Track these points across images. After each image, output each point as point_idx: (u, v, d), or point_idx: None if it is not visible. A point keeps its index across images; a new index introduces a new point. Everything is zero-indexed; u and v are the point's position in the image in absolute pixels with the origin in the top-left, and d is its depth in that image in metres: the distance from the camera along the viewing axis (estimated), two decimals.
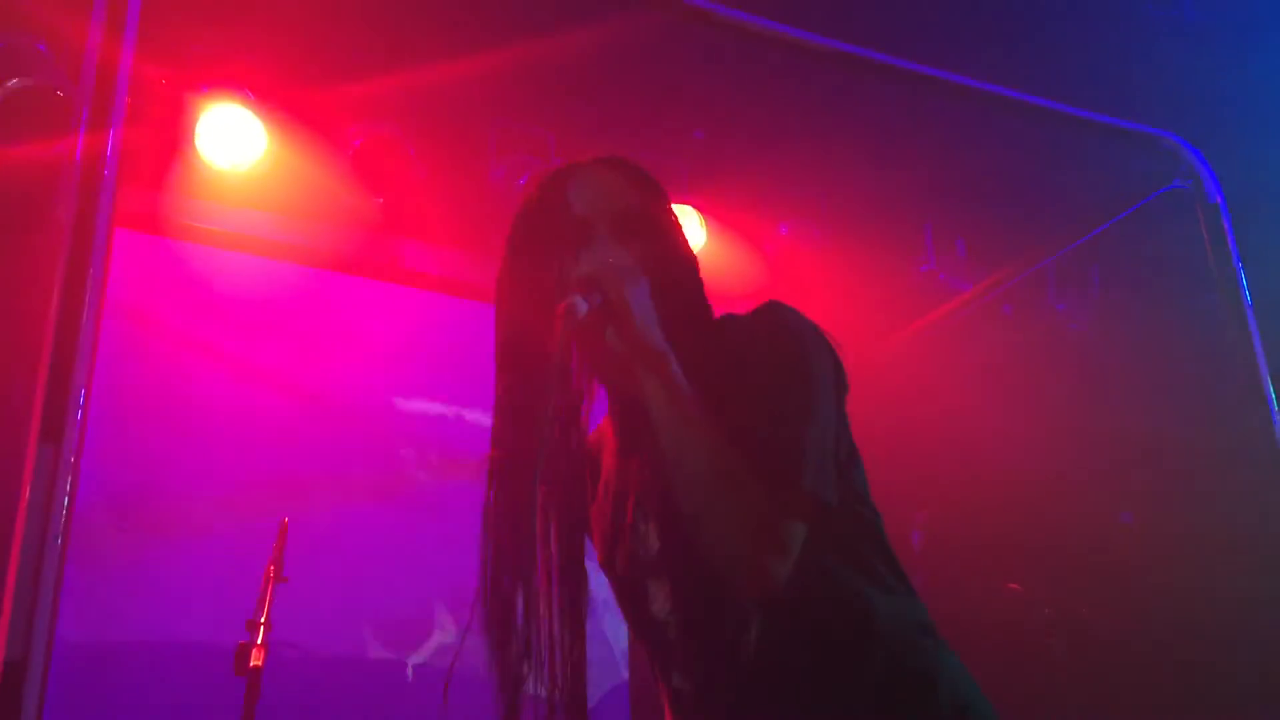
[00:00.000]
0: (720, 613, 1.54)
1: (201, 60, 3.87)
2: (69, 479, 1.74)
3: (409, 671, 3.99)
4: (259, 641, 3.09)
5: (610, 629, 4.41)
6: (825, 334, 1.63)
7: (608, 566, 1.70)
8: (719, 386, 1.52)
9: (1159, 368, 4.39)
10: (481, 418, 4.48)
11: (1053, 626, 3.77)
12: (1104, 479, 4.41)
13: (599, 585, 1.67)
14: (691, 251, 1.73)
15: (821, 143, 4.25)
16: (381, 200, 4.19)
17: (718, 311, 1.72)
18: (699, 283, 1.71)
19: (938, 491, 4.41)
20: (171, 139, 3.92)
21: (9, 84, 3.34)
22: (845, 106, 4.06)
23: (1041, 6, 3.67)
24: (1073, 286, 4.84)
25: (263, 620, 3.12)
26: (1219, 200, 3.30)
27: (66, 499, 1.73)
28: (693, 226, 4.37)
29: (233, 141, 3.91)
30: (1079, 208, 4.12)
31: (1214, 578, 3.86)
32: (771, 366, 1.55)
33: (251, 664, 3.05)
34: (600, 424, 1.78)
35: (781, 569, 1.45)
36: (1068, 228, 4.19)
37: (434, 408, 4.45)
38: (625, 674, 4.43)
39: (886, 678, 1.50)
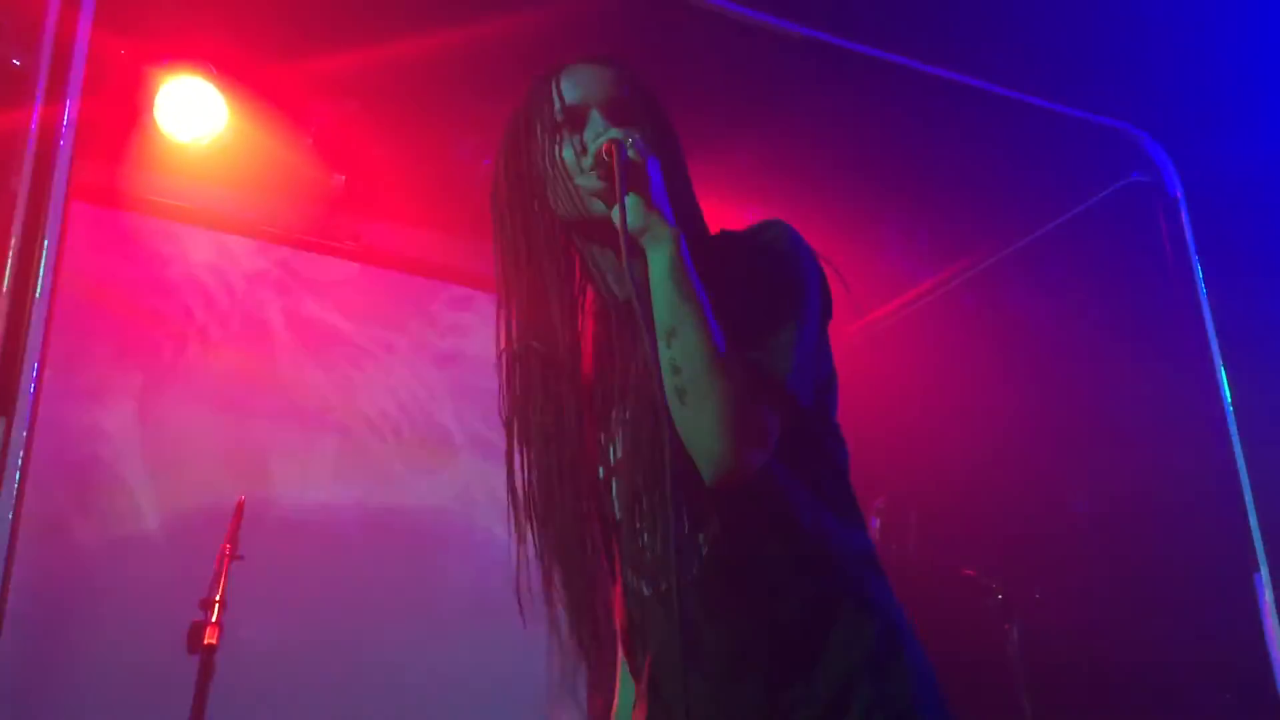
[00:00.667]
0: (679, 511, 1.51)
1: (161, 31, 3.82)
2: (20, 453, 1.71)
3: (366, 652, 3.97)
4: (213, 620, 3.07)
5: None
6: (818, 256, 1.67)
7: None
8: (711, 286, 1.52)
9: (1116, 359, 4.43)
10: (443, 397, 4.48)
11: (1006, 611, 3.81)
12: (1060, 467, 4.45)
13: None
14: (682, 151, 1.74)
15: (778, 131, 4.24)
16: (343, 177, 4.15)
17: None
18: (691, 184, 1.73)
19: (897, 478, 4.44)
20: (130, 111, 3.86)
21: None
22: (802, 94, 4.05)
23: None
24: (1032, 277, 4.87)
25: (217, 598, 3.11)
26: (1178, 194, 3.34)
27: (19, 473, 1.71)
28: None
29: (193, 115, 3.86)
30: (1040, 199, 4.15)
31: (1166, 566, 3.92)
32: (765, 273, 1.59)
33: (205, 642, 3.03)
34: None
35: (756, 459, 1.47)
36: (1028, 219, 4.22)
37: (396, 386, 4.42)
38: None
39: (826, 597, 1.52)
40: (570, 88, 1.66)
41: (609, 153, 1.51)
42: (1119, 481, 4.23)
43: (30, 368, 1.78)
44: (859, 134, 4.20)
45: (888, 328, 4.73)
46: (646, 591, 1.58)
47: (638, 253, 1.51)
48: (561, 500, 1.61)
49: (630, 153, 1.52)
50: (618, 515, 1.61)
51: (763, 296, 1.57)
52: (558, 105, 1.64)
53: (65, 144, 2.05)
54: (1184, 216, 3.42)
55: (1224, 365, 3.37)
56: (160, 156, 4.00)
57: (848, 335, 4.79)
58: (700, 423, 1.44)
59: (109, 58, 3.76)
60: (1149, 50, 3.82)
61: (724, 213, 4.53)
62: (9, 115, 3.29)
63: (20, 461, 1.75)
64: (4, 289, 1.80)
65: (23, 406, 1.75)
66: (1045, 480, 4.43)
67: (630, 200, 1.50)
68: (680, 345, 1.45)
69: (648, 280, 1.51)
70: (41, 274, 1.84)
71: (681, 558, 1.52)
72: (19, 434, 1.74)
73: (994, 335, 4.79)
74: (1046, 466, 4.44)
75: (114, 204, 4.07)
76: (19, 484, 1.77)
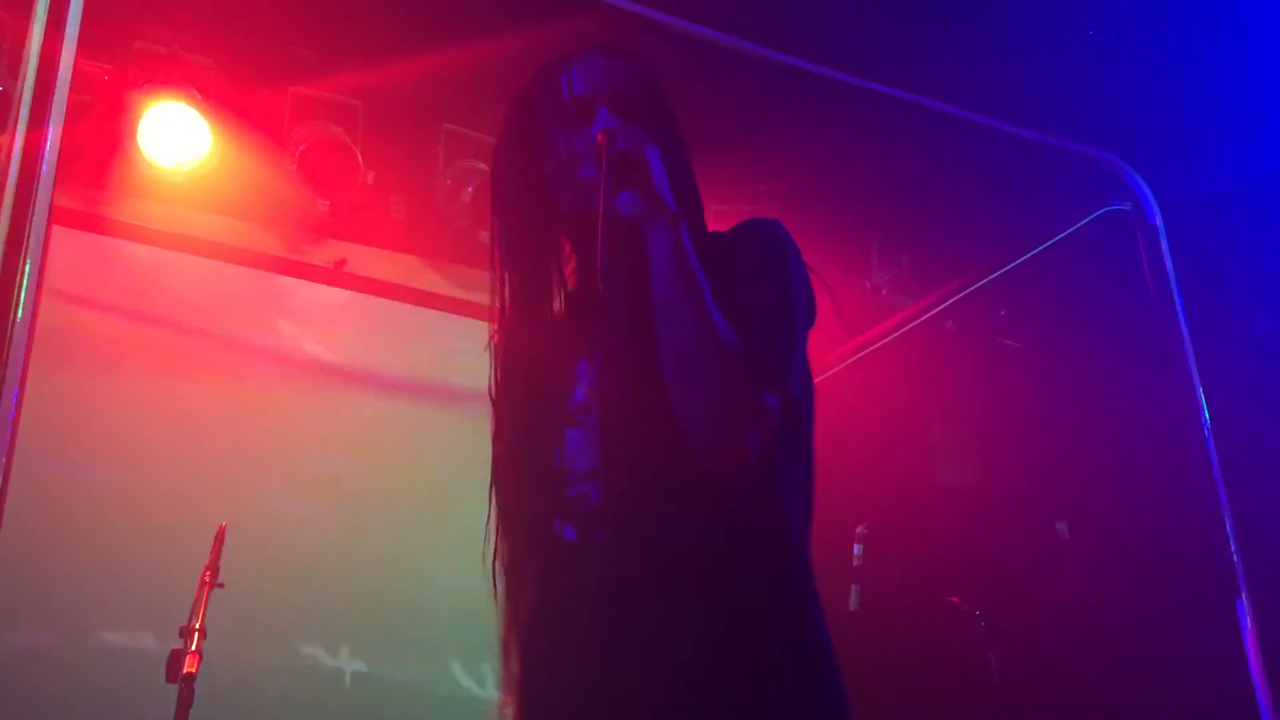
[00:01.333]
0: (649, 489, 1.50)
1: (145, 56, 3.82)
2: (1, 478, 1.70)
3: (346, 679, 3.95)
4: (193, 648, 3.04)
5: None
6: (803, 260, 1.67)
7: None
8: (710, 275, 1.51)
9: (1096, 385, 4.45)
10: (424, 415, 4.45)
11: (989, 639, 3.81)
12: (1041, 492, 4.46)
13: None
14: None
15: (761, 157, 4.27)
16: (327, 203, 4.15)
17: None
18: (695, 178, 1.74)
19: (879, 505, 4.44)
20: (113, 136, 3.86)
21: None
22: (785, 121, 4.08)
23: (984, 27, 3.72)
24: (1013, 304, 4.90)
25: (197, 626, 3.08)
26: (1157, 222, 3.37)
27: None
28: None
29: (176, 140, 3.86)
30: (1021, 227, 4.18)
31: (1148, 589, 3.93)
32: (760, 266, 1.60)
33: (185, 670, 3.00)
34: None
35: (754, 445, 1.46)
36: (1010, 246, 4.25)
37: (377, 411, 4.41)
38: None
39: (760, 600, 1.47)
40: (580, 78, 1.65)
41: (602, 142, 1.50)
42: (1101, 505, 4.25)
43: (10, 393, 1.77)
44: (840, 161, 4.23)
45: (871, 353, 4.75)
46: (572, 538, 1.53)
47: (636, 241, 1.50)
48: (521, 484, 1.60)
49: (625, 143, 1.51)
50: (571, 470, 1.56)
51: (759, 288, 1.58)
52: (566, 96, 1.63)
53: (48, 169, 2.04)
54: (1163, 244, 3.44)
55: (1203, 389, 3.39)
56: (143, 181, 3.99)
57: (830, 361, 4.81)
58: (702, 405, 1.43)
59: (92, 82, 3.76)
60: (1126, 80, 3.86)
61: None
62: None
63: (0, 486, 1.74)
64: None
65: (2, 432, 1.74)
66: (1028, 505, 4.44)
67: (630, 191, 1.49)
68: (682, 327, 1.44)
69: (627, 274, 1.51)
70: (23, 299, 1.84)
71: (639, 522, 1.48)
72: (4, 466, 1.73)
73: (976, 361, 4.81)
74: (1029, 491, 4.45)
75: (96, 228, 4.05)
76: None
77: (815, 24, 3.52)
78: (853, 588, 4.00)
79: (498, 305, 1.67)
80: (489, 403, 1.68)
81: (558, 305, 1.66)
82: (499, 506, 1.62)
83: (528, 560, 1.58)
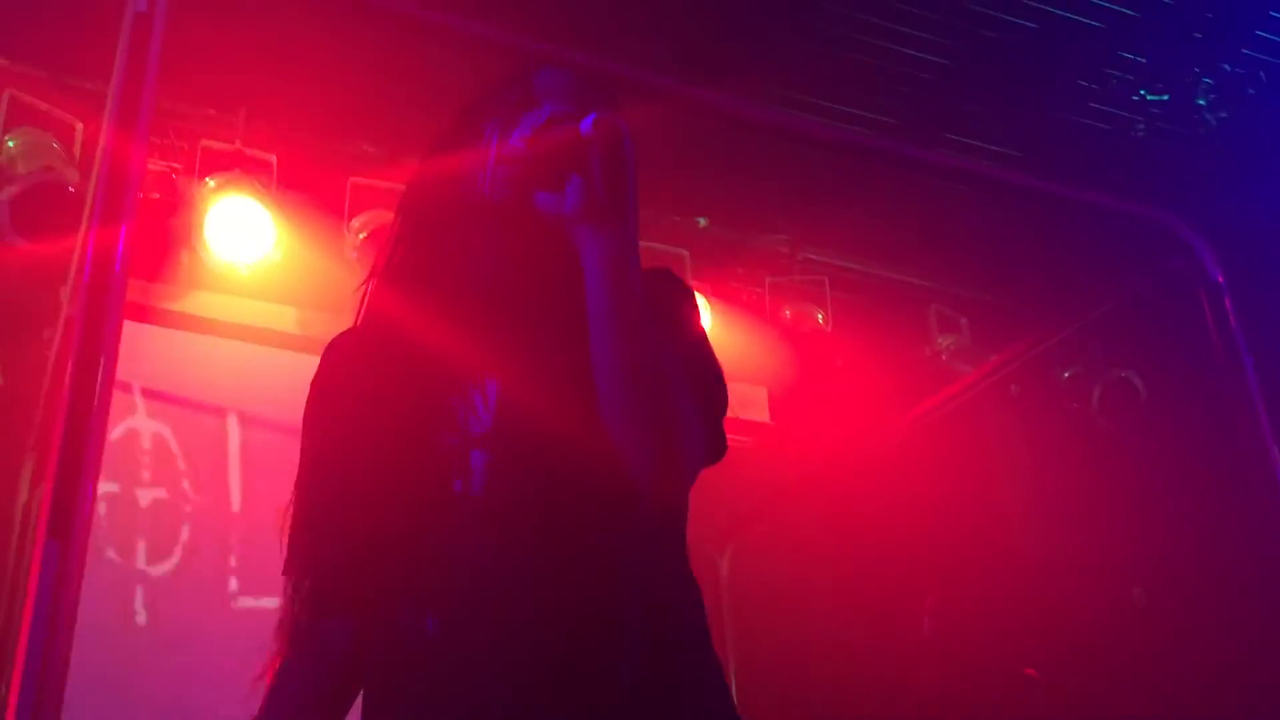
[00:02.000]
0: (542, 498, 1.37)
1: (210, 152, 3.93)
2: (78, 575, 1.73)
3: None
4: None
5: None
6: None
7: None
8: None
9: (1166, 446, 4.37)
10: None
11: (1072, 713, 3.72)
12: (1113, 557, 4.37)
13: None
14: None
15: (816, 227, 4.29)
16: None
17: None
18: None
19: (947, 575, 4.37)
20: (180, 230, 3.96)
21: (23, 178, 3.39)
22: (839, 188, 4.10)
23: (1043, 92, 3.73)
24: (1077, 366, 4.85)
25: None
26: (1220, 280, 3.32)
27: (73, 594, 1.73)
28: (702, 310, 4.38)
29: (241, 233, 3.95)
30: (1083, 288, 4.15)
31: (1224, 658, 3.82)
32: (684, 327, 1.53)
33: None
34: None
35: (691, 469, 1.42)
36: (1072, 308, 4.21)
37: None
38: None
39: (662, 631, 1.38)
40: (539, 83, 1.52)
41: (554, 129, 1.36)
42: (1178, 570, 4.15)
43: (87, 489, 1.81)
44: (896, 228, 4.24)
45: (935, 420, 4.70)
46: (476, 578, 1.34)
47: (580, 239, 1.36)
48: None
49: (582, 125, 1.34)
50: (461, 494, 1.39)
51: (683, 326, 1.52)
52: (519, 96, 1.50)
53: (120, 267, 2.10)
54: (1227, 301, 3.40)
55: (1277, 448, 3.32)
56: (208, 274, 4.07)
57: (897, 430, 4.76)
58: (645, 428, 1.33)
59: (159, 179, 3.88)
60: (1179, 137, 3.84)
61: (772, 303, 4.55)
62: (65, 239, 3.39)
63: (76, 584, 1.77)
64: (61, 412, 1.84)
65: (79, 529, 1.77)
66: (1102, 570, 4.35)
67: (579, 177, 1.34)
68: (619, 344, 1.33)
69: (553, 274, 1.40)
70: (97, 397, 1.88)
71: (530, 544, 1.35)
72: (75, 556, 1.76)
73: (1041, 425, 4.75)
74: (1103, 556, 4.36)
75: (162, 321, 4.13)
76: (72, 608, 1.79)
77: (867, 96, 3.55)
78: (923, 660, 3.94)
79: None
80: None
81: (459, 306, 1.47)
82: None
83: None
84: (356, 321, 1.60)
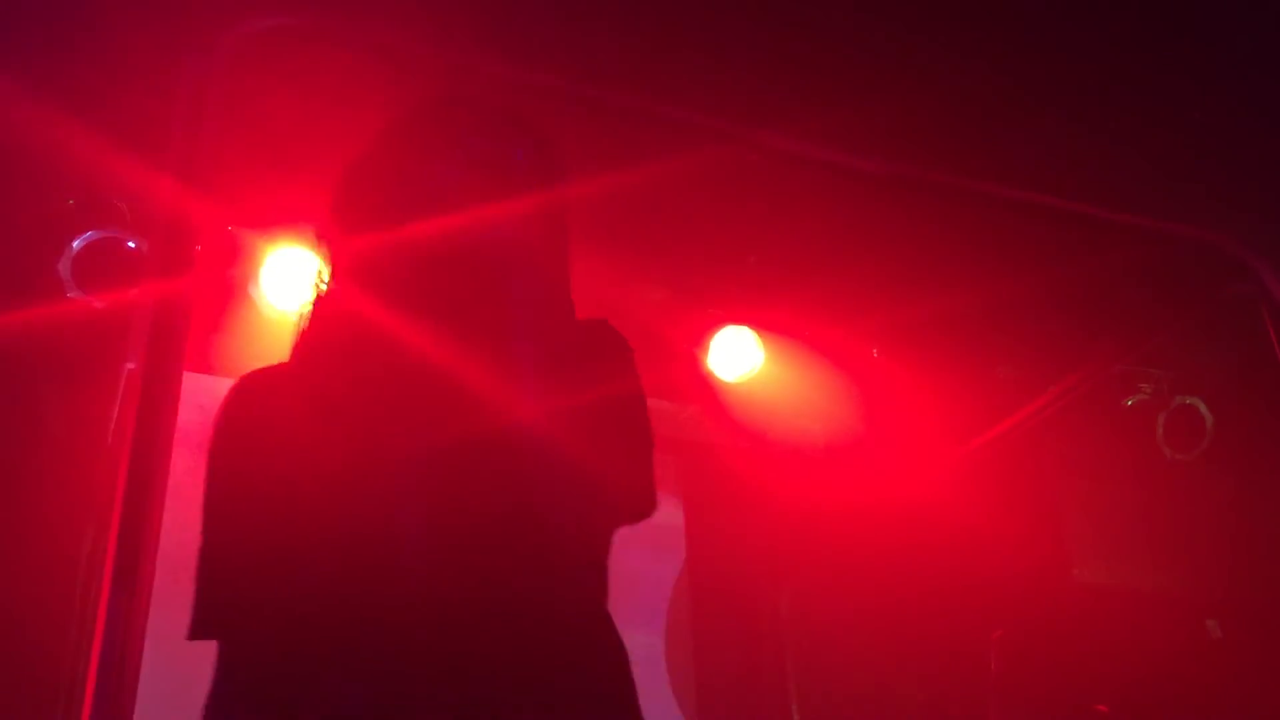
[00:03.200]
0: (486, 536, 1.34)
1: (264, 205, 3.99)
2: (141, 627, 1.75)
3: None
4: None
5: None
6: None
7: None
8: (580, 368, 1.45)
9: (1237, 472, 4.28)
10: None
11: None
12: (1186, 589, 4.28)
13: None
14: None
15: (876, 259, 4.26)
16: None
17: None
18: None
19: (1014, 610, 4.30)
20: (236, 282, 4.01)
21: (84, 237, 3.46)
22: (888, 223, 4.07)
23: (1095, 119, 3.69)
24: (1140, 394, 4.77)
25: None
26: None
27: (137, 649, 1.74)
28: (751, 347, 4.39)
29: (296, 284, 3.99)
30: (1145, 313, 4.09)
31: None
32: (625, 387, 1.52)
33: None
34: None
35: (604, 526, 1.43)
36: (1132, 334, 4.16)
37: None
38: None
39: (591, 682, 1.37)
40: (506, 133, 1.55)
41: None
42: (1252, 603, 4.05)
43: (151, 542, 1.82)
44: (950, 261, 4.20)
45: (998, 451, 4.64)
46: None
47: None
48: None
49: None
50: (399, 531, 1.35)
51: (617, 379, 1.52)
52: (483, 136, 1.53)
53: (180, 321, 2.13)
54: None
55: None
56: (265, 325, 4.12)
57: (957, 459, 4.71)
58: (638, 457, 1.44)
59: (215, 231, 3.93)
60: (1234, 158, 3.79)
61: (823, 345, 4.54)
62: (126, 294, 3.45)
63: (141, 639, 1.78)
64: (124, 466, 1.86)
65: (144, 583, 1.79)
66: (1175, 602, 4.26)
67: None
68: (626, 379, 1.45)
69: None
70: (158, 451, 1.90)
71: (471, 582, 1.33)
72: (139, 611, 1.78)
73: (1106, 453, 4.67)
74: (1175, 587, 4.27)
75: (220, 371, 4.18)
76: (136, 657, 1.80)
77: (922, 133, 3.54)
78: (992, 700, 3.86)
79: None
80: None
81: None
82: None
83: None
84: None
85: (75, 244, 3.50)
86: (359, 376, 1.45)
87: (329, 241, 1.60)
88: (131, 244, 3.56)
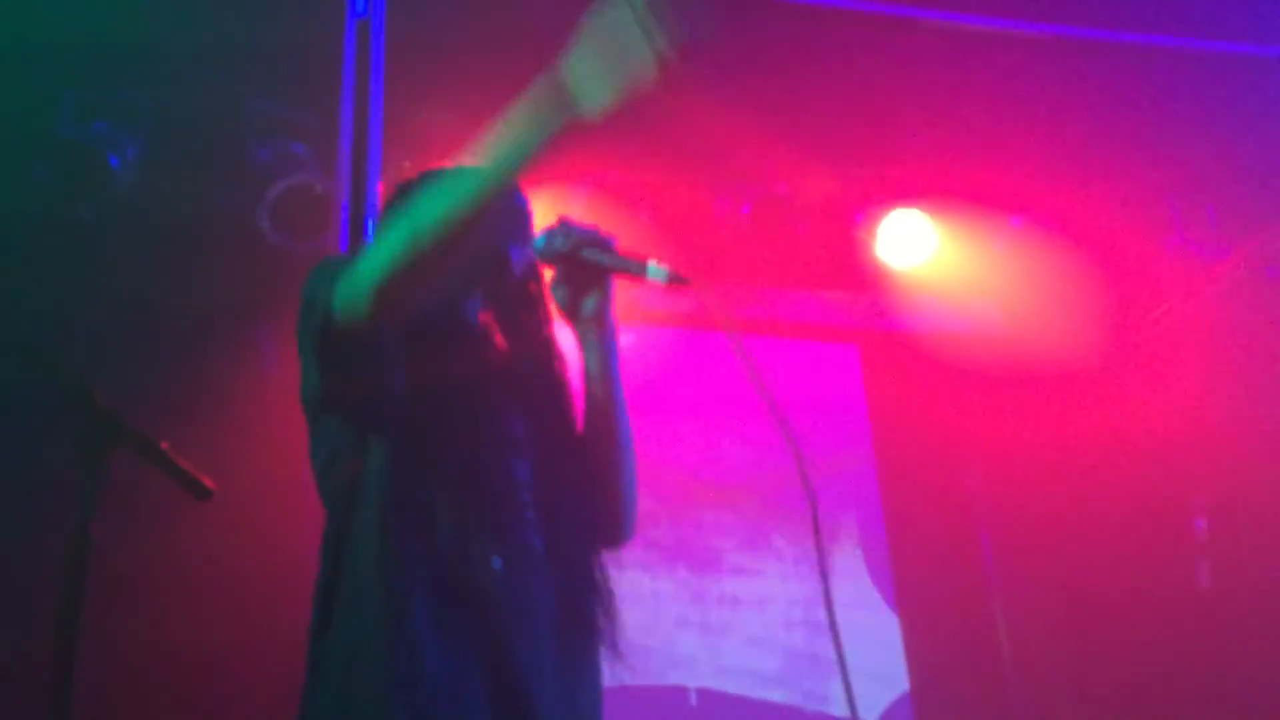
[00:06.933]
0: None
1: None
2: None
3: None
4: None
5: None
6: None
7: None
8: None
9: None
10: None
11: None
12: None
13: None
14: None
15: (1039, 131, 4.12)
16: None
17: None
18: None
19: (1218, 481, 4.10)
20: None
21: (277, 188, 3.63)
22: (1056, 87, 3.93)
23: None
24: None
25: None
26: None
27: None
28: (923, 230, 4.31)
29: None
30: None
31: None
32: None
33: None
34: None
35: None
36: None
37: None
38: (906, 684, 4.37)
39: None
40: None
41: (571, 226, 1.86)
42: None
43: None
44: (1135, 118, 4.02)
45: (1186, 318, 4.42)
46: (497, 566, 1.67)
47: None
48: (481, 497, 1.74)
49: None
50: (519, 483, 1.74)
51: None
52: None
53: None
54: None
55: None
56: None
57: (1143, 332, 4.53)
58: (632, 488, 1.85)
59: (396, 173, 4.06)
60: None
61: (995, 224, 4.40)
62: (320, 237, 3.62)
63: None
64: None
65: None
66: None
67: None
68: (628, 421, 1.84)
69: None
70: None
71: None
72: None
73: None
74: None
75: None
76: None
77: None
78: (1200, 564, 3.74)
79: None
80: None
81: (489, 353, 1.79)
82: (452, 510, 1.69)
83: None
84: None
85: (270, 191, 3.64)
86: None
87: None
88: (319, 189, 3.68)
